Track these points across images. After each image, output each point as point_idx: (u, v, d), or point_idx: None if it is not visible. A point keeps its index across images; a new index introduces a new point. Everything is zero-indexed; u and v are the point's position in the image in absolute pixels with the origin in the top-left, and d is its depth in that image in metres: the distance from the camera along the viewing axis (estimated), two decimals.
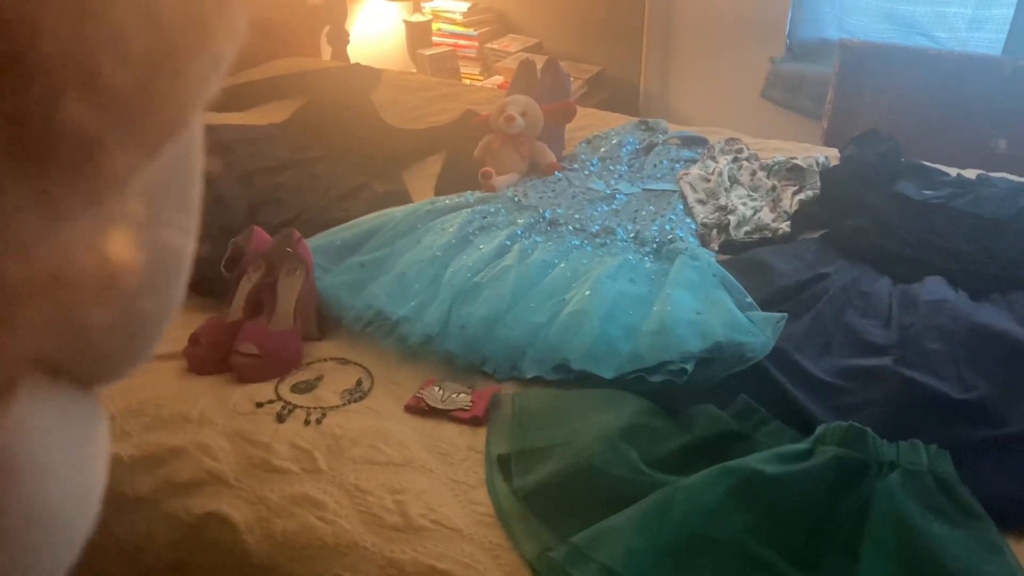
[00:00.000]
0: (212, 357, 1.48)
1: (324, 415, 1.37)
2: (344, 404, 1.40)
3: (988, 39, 2.69)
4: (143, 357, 0.39)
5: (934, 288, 1.53)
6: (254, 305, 1.55)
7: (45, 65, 0.25)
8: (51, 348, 0.32)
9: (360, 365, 1.50)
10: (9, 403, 0.30)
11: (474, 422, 1.35)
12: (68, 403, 0.37)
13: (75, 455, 0.37)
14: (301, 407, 1.39)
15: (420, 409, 1.38)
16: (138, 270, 0.31)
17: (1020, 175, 2.01)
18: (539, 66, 2.26)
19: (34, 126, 0.25)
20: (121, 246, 0.30)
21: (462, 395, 1.39)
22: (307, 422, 1.36)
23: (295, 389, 1.44)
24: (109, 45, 0.25)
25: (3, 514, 0.32)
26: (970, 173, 2.01)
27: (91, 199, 0.27)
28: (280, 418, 1.36)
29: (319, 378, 1.47)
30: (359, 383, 1.46)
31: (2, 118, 0.25)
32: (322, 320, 1.59)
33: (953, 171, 2.00)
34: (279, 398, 1.41)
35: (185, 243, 0.36)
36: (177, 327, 1.55)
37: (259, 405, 1.39)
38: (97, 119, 0.26)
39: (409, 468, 1.26)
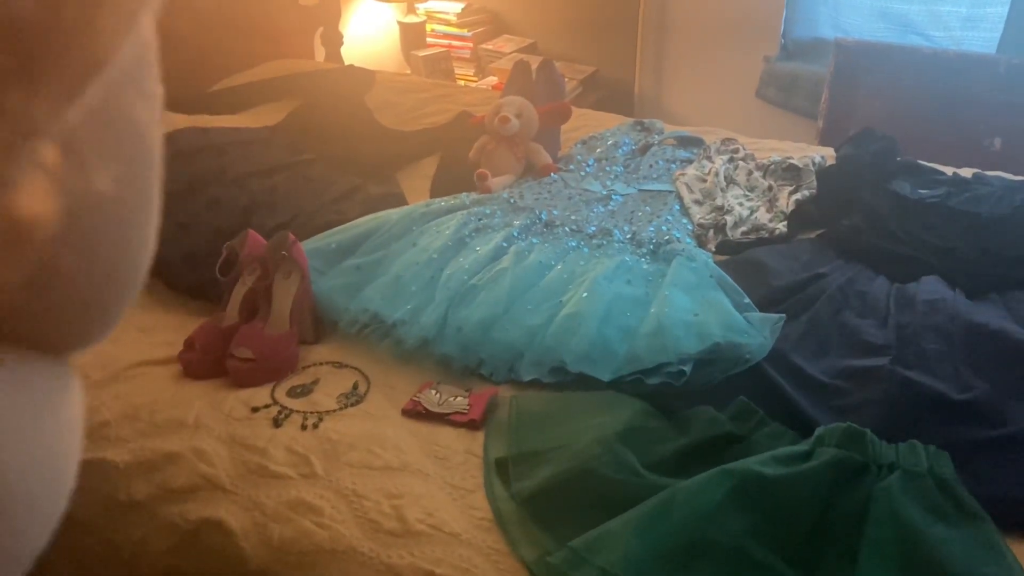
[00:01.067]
0: (207, 362, 1.47)
1: (321, 419, 1.36)
2: (340, 408, 1.39)
3: (982, 38, 2.70)
4: (93, 321, 0.35)
5: (931, 287, 1.52)
6: (249, 309, 1.54)
7: None
8: None
9: (356, 369, 1.49)
10: None
11: (471, 425, 1.34)
12: (24, 372, 0.34)
13: (35, 428, 0.34)
14: (297, 412, 1.38)
15: (417, 413, 1.37)
16: (50, 224, 0.29)
17: (1015, 173, 2.01)
18: (534, 67, 2.25)
19: None
20: (31, 199, 0.28)
21: (459, 398, 1.38)
22: (304, 427, 1.35)
23: (291, 393, 1.43)
24: None
25: None
26: (966, 172, 2.01)
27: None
28: (276, 423, 1.35)
29: (315, 382, 1.46)
30: (355, 387, 1.45)
31: None
32: (317, 323, 1.58)
33: (949, 170, 2.00)
34: (275, 402, 1.40)
35: (121, 191, 0.32)
36: (172, 331, 1.55)
37: (255, 410, 1.38)
38: (3, 59, 0.23)
39: (406, 472, 1.26)
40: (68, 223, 0.30)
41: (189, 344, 1.49)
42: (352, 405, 1.41)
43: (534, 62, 2.32)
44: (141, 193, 0.35)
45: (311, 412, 1.38)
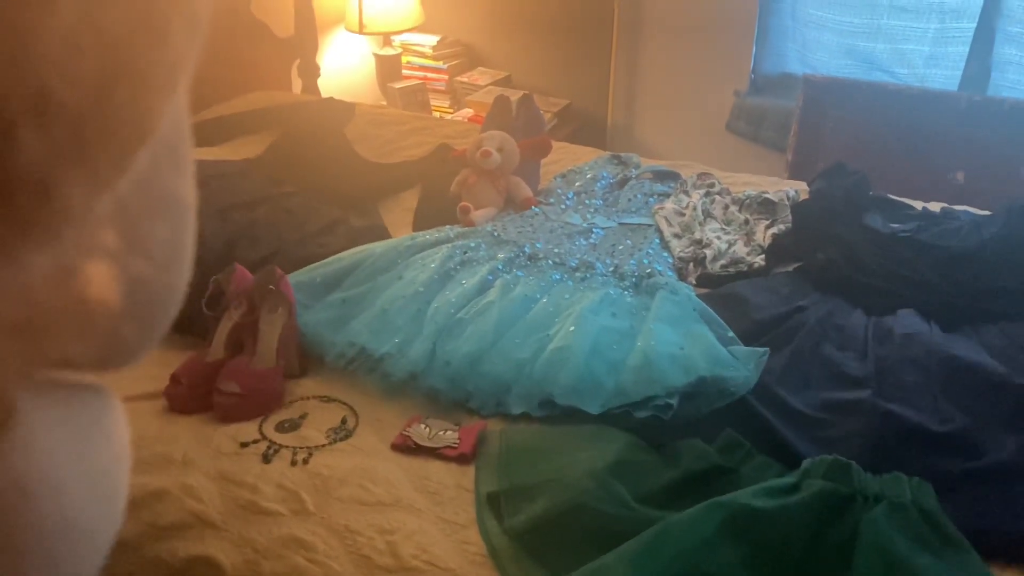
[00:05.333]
0: (193, 396, 1.47)
1: (310, 454, 1.36)
2: (330, 443, 1.39)
3: (945, 75, 2.78)
4: (137, 358, 0.37)
5: (907, 321, 1.56)
6: (235, 344, 1.54)
7: None
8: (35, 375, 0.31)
9: (343, 403, 1.49)
10: (12, 429, 0.29)
11: (462, 459, 1.35)
12: (78, 411, 0.36)
13: (91, 462, 0.36)
14: (287, 447, 1.38)
15: (407, 447, 1.38)
16: (116, 304, 0.30)
17: (977, 206, 2.08)
18: (513, 101, 2.29)
19: None
20: (96, 281, 0.29)
21: (449, 432, 1.39)
22: (293, 462, 1.35)
23: (279, 428, 1.43)
24: (57, 62, 0.23)
25: (22, 532, 0.31)
26: (934, 206, 2.07)
27: (47, 237, 0.26)
28: (266, 458, 1.35)
29: (303, 416, 1.46)
30: (344, 421, 1.45)
31: None
32: (303, 357, 1.58)
33: (918, 204, 2.06)
34: (264, 438, 1.40)
35: (167, 259, 0.34)
36: (157, 366, 1.53)
37: (244, 445, 1.38)
38: (52, 149, 0.24)
39: (398, 507, 1.26)
40: (128, 297, 0.32)
41: (175, 379, 1.48)
42: (341, 440, 1.41)
43: (509, 95, 2.35)
44: (182, 258, 0.37)
45: (300, 447, 1.38)
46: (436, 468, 1.34)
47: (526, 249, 1.82)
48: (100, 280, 0.30)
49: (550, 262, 1.79)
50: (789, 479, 1.17)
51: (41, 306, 0.27)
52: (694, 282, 1.78)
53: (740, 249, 1.86)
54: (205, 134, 2.42)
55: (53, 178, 0.24)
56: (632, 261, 1.80)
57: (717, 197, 2.07)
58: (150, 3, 0.26)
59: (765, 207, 2.03)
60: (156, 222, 0.33)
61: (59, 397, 0.35)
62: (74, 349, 0.31)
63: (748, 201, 2.05)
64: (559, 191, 2.13)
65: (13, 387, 0.29)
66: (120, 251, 0.31)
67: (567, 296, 1.64)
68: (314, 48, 3.04)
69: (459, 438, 1.37)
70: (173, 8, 0.27)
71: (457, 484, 1.31)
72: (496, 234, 1.87)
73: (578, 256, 1.81)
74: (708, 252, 1.83)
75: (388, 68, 3.36)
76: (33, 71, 0.22)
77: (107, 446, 0.38)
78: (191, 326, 1.60)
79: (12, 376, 0.29)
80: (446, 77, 3.41)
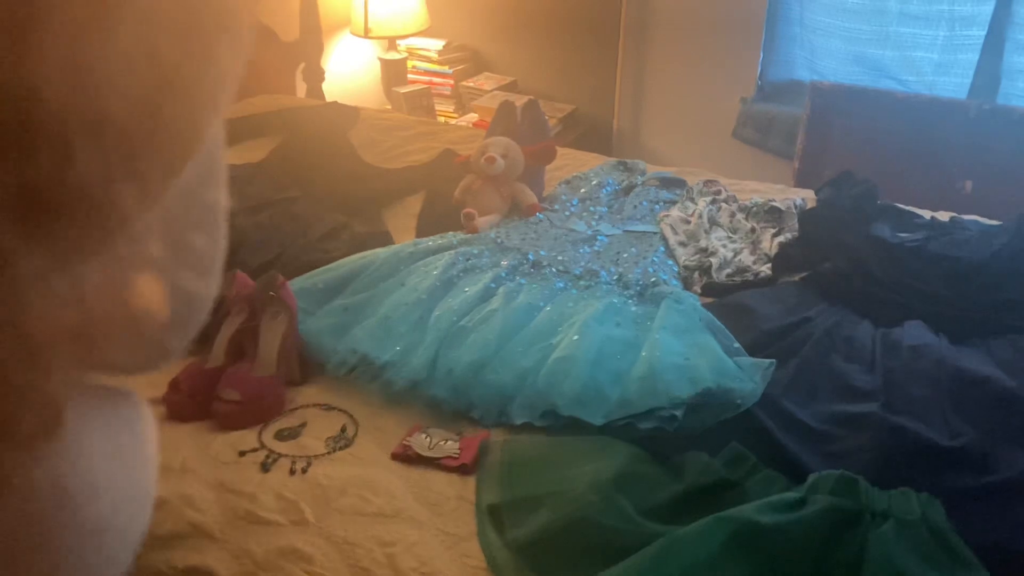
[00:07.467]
0: (193, 403, 1.45)
1: (309, 464, 1.35)
2: (329, 452, 1.38)
3: (954, 83, 2.76)
4: (165, 366, 0.39)
5: (915, 332, 1.54)
6: (235, 350, 1.52)
7: (52, 120, 0.23)
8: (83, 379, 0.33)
9: (344, 411, 1.48)
10: (59, 434, 0.30)
11: (463, 470, 1.33)
12: (112, 415, 0.38)
13: (124, 465, 0.38)
14: (286, 456, 1.36)
15: (407, 457, 1.36)
16: (163, 314, 0.32)
17: (986, 215, 2.06)
18: (518, 106, 2.27)
19: (48, 189, 0.24)
20: (145, 292, 0.31)
21: (450, 442, 1.37)
22: (292, 471, 1.33)
23: (279, 436, 1.41)
24: (113, 85, 0.24)
25: (60, 533, 0.33)
26: (943, 215, 2.05)
27: (100, 249, 0.27)
28: (265, 467, 1.34)
29: (303, 425, 1.44)
30: (343, 430, 1.43)
31: (15, 188, 0.23)
32: (303, 364, 1.56)
33: (926, 213, 2.04)
34: (263, 446, 1.38)
35: (203, 269, 0.36)
36: (157, 372, 1.52)
37: (242, 454, 1.36)
38: (106, 165, 0.25)
39: (398, 519, 1.24)
40: (172, 307, 0.34)
41: (174, 385, 1.47)
42: (341, 449, 1.39)
43: (514, 100, 2.34)
44: (217, 266, 0.38)
45: (300, 456, 1.36)
46: (437, 479, 1.32)
47: (530, 256, 1.80)
48: (149, 291, 0.31)
49: (554, 270, 1.77)
50: (795, 494, 1.15)
51: (93, 315, 0.29)
52: (699, 291, 1.76)
53: (746, 258, 1.84)
54: None
55: (107, 193, 0.25)
56: (637, 269, 1.78)
57: (723, 205, 2.05)
58: (200, 25, 0.28)
59: (772, 215, 2.01)
60: (196, 232, 0.35)
61: (96, 401, 0.36)
62: (121, 356, 0.33)
63: (755, 209, 2.03)
64: (564, 197, 2.12)
65: (65, 393, 0.29)
66: (166, 262, 0.32)
67: (571, 304, 1.63)
68: (319, 52, 3.04)
69: (460, 448, 1.36)
70: (220, 28, 0.29)
71: (458, 495, 1.29)
72: (500, 241, 1.86)
73: (582, 264, 1.80)
74: (714, 261, 1.81)
75: (393, 72, 3.35)
76: (92, 94, 0.24)
77: (139, 449, 0.40)
78: None
79: (64, 381, 0.29)
80: (451, 82, 3.41)
